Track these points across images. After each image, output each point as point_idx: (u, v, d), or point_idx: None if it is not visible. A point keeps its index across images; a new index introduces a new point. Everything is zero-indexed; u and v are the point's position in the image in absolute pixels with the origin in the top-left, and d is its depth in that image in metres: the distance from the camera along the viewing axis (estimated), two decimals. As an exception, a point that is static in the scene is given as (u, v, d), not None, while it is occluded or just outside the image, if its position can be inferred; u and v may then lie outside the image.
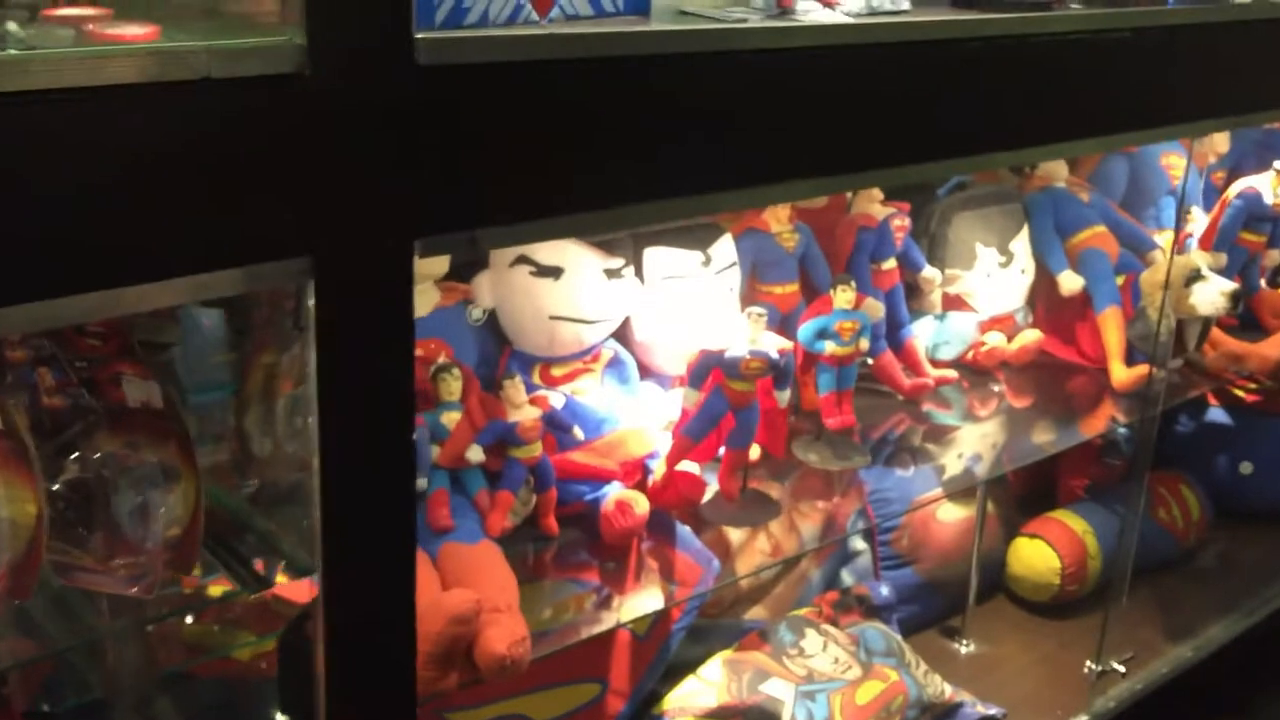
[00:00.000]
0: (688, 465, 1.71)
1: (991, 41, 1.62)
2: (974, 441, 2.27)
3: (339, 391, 1.00)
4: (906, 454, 2.21)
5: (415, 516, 1.09)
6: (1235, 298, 2.22)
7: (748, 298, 1.98)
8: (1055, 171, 2.41)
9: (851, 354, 1.86)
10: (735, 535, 1.86)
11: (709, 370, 1.65)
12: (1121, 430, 2.58)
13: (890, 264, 2.13)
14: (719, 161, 1.24)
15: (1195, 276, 2.23)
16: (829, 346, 1.84)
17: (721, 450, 1.73)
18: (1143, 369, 2.23)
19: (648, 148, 1.17)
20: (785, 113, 1.39)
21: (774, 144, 1.35)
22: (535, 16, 1.37)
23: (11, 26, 0.87)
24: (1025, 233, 2.33)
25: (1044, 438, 2.34)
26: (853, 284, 1.83)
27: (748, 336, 1.64)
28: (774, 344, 1.66)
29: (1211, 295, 2.21)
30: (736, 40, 1.26)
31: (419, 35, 0.97)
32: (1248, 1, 1.99)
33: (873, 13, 1.62)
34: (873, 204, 2.10)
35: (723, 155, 1.24)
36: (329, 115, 0.93)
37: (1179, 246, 2.63)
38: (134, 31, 0.92)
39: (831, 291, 1.84)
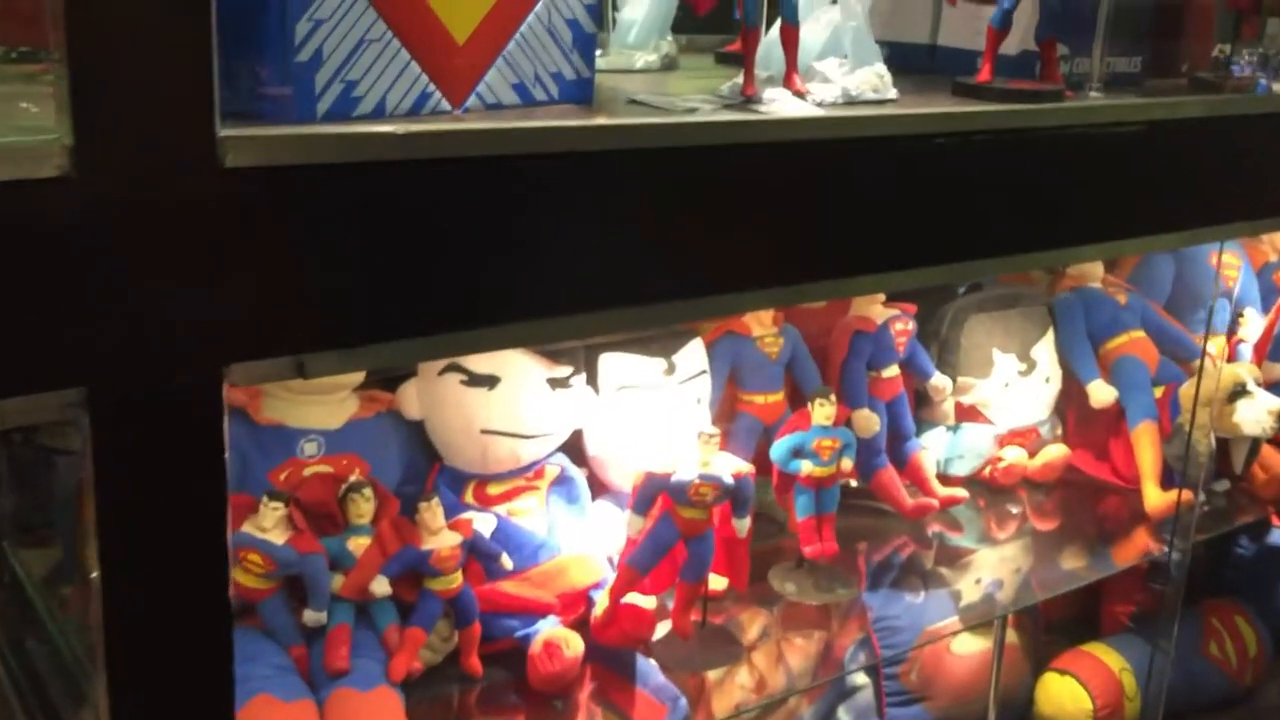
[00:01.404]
0: (637, 598, 1.55)
1: (996, 136, 1.47)
2: (994, 566, 2.09)
3: (124, 549, 0.87)
4: (916, 578, 2.03)
5: (231, 689, 0.95)
6: (1285, 418, 2.01)
7: (726, 407, 1.83)
8: (1089, 270, 2.24)
9: (832, 475, 1.70)
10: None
11: (655, 495, 1.50)
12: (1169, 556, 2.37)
13: (892, 371, 1.97)
14: (615, 272, 1.11)
15: (1240, 391, 2.04)
16: (806, 466, 1.68)
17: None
18: (1174, 496, 2.03)
19: (531, 256, 1.04)
20: (731, 215, 1.25)
21: (716, 252, 1.22)
22: (447, 106, 1.25)
23: None
24: (1050, 338, 2.16)
25: (1074, 564, 2.15)
26: (832, 397, 1.67)
27: (698, 459, 1.49)
28: (729, 467, 1.51)
29: (1257, 414, 2.01)
30: (643, 137, 1.12)
31: (224, 133, 0.84)
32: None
33: (850, 101, 1.49)
34: (873, 305, 1.94)
35: (620, 264, 1.11)
36: (105, 225, 0.81)
37: (1230, 354, 2.44)
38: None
39: (809, 405, 1.68)
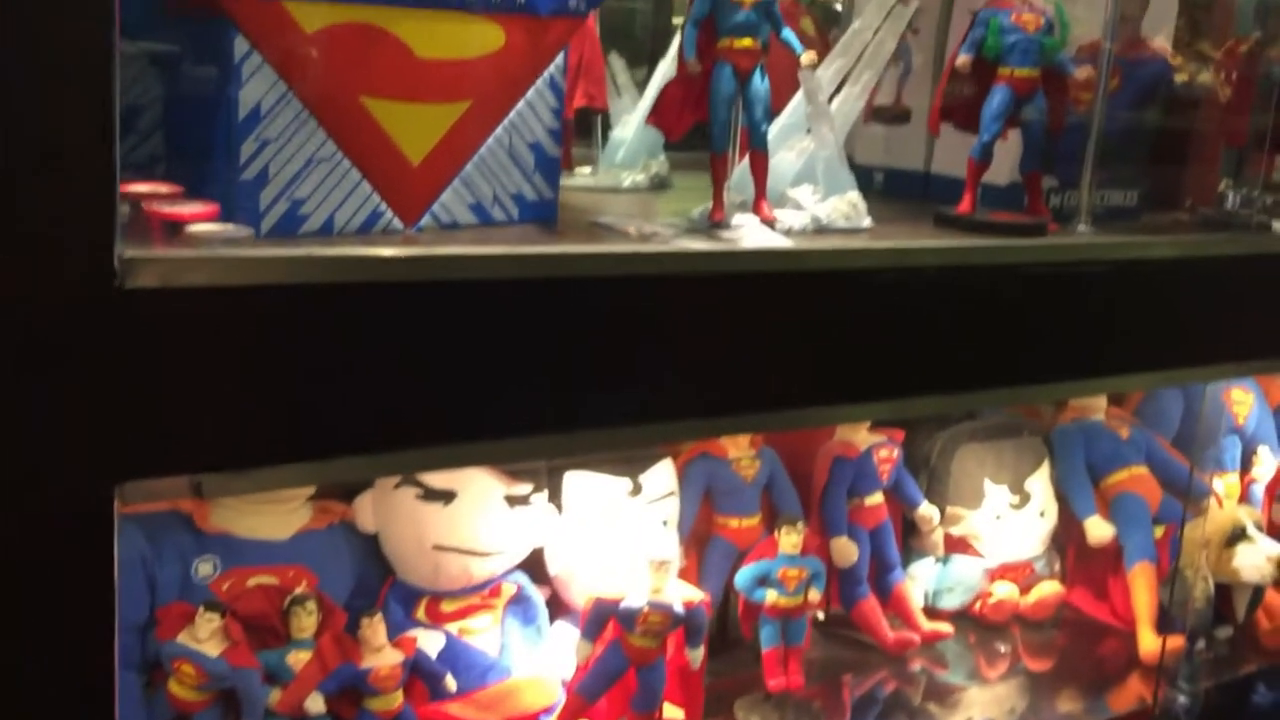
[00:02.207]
0: (587, 727, 1.52)
1: (972, 270, 1.47)
2: (985, 705, 2.03)
3: (8, 661, 0.87)
4: (902, 714, 1.98)
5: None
6: (1285, 565, 1.95)
7: (701, 529, 1.81)
8: (1091, 402, 2.21)
9: (799, 606, 1.67)
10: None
11: (604, 621, 1.48)
12: (1180, 700, 2.29)
13: (876, 499, 1.94)
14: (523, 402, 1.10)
15: (1239, 536, 1.99)
16: (771, 596, 1.65)
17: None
18: (1174, 641, 1.96)
19: (454, 379, 1.05)
20: (686, 342, 1.25)
21: (669, 377, 1.22)
22: (399, 225, 1.28)
23: None
24: (1045, 470, 2.12)
25: (1070, 706, 2.08)
26: (800, 525, 1.65)
27: (649, 586, 1.47)
28: (681, 595, 1.49)
29: (1257, 560, 1.96)
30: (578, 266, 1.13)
31: (128, 254, 0.86)
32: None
33: (821, 229, 1.49)
34: (858, 431, 1.92)
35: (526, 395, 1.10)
36: (-2, 341, 0.83)
37: (1243, 493, 2.38)
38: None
39: (776, 532, 1.66)
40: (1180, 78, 1.91)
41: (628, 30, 2.49)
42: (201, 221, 1.06)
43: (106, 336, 0.86)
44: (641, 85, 1.90)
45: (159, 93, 1.25)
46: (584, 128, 1.94)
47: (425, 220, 1.29)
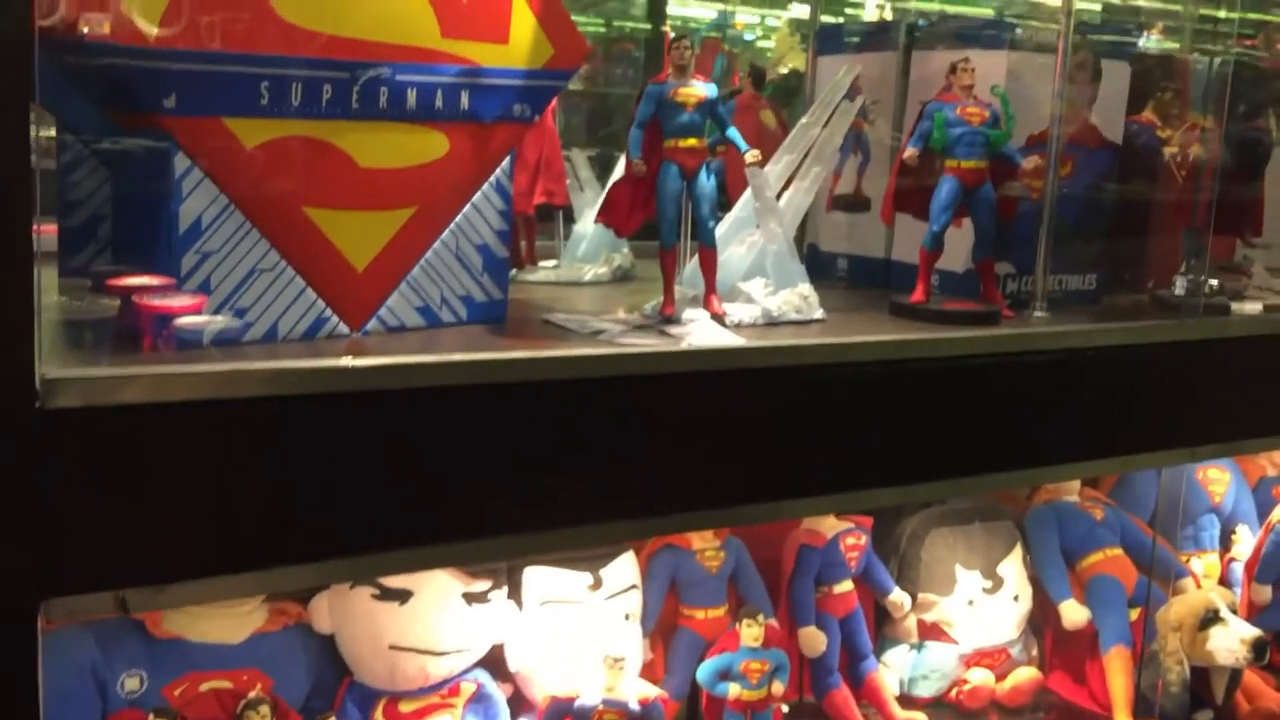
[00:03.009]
0: (548, 827, 1.52)
1: (920, 362, 1.48)
2: (969, 793, 2.01)
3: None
4: (884, 802, 1.97)
5: None
6: (1259, 648, 1.95)
7: (667, 621, 1.81)
8: (1064, 484, 2.21)
9: (763, 699, 1.67)
10: None
11: (560, 720, 1.48)
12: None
13: (845, 586, 1.95)
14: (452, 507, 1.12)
15: (1212, 618, 1.98)
16: (734, 690, 1.65)
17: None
18: (1149, 727, 1.96)
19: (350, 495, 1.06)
20: (631, 439, 1.27)
21: (584, 480, 1.23)
22: (345, 330, 1.30)
23: None
24: (1018, 554, 2.12)
25: (1053, 795, 2.06)
26: (760, 617, 1.66)
27: (603, 684, 1.47)
28: (637, 692, 1.49)
29: (1230, 643, 1.95)
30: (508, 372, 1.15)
31: (52, 375, 0.88)
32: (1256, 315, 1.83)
33: (772, 322, 1.52)
34: (823, 519, 1.93)
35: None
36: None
37: (1223, 573, 2.37)
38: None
39: (738, 625, 1.66)
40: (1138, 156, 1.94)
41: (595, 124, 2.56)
42: (189, 314, 1.12)
43: (26, 457, 0.88)
44: (603, 180, 1.93)
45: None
46: (549, 219, 1.98)
47: (372, 324, 1.32)
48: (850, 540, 1.93)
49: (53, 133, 1.25)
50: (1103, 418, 1.59)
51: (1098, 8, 2.51)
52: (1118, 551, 2.17)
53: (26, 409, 0.88)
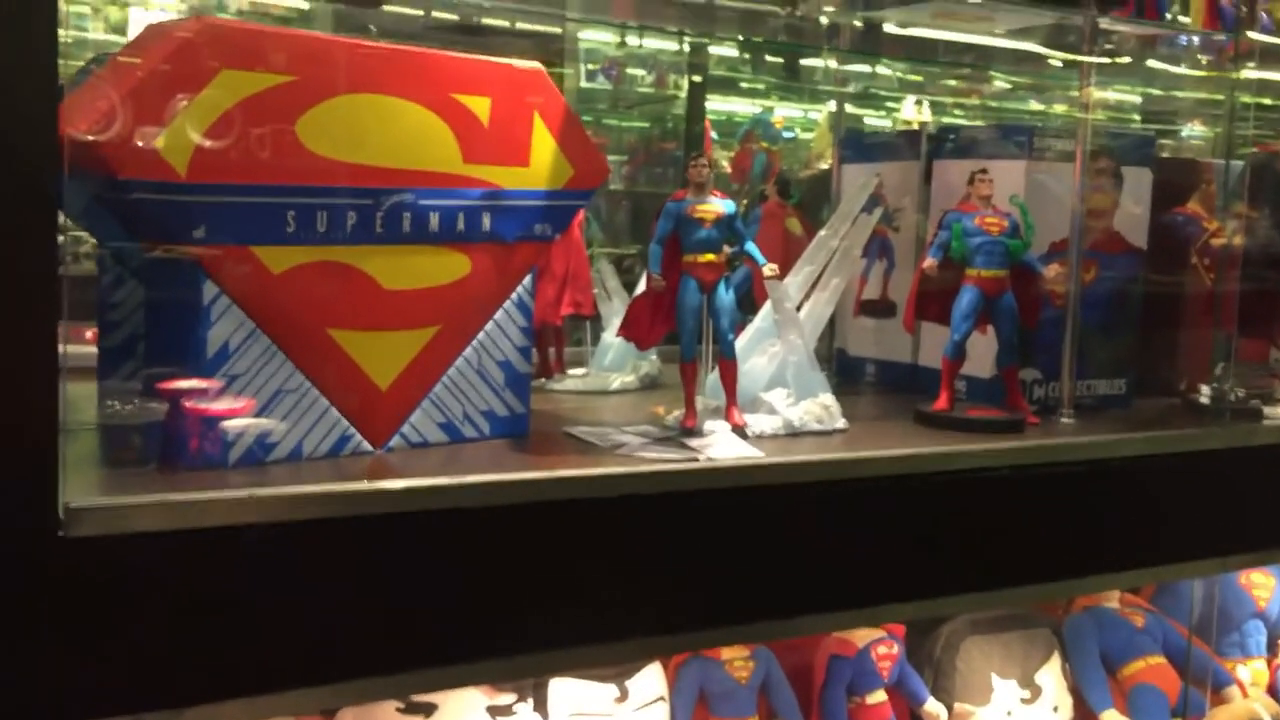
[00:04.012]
0: None
1: (939, 474, 1.48)
2: None
3: None
4: None
5: None
6: (1306, 760, 1.90)
7: (697, 734, 1.81)
8: (1103, 591, 2.19)
9: (793, 814, 1.65)
10: None
11: (584, 837, 1.48)
12: None
13: (878, 696, 1.93)
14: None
15: (1257, 730, 1.94)
16: (763, 807, 1.64)
17: None
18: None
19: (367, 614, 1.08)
20: (634, 559, 1.29)
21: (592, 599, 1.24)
22: (368, 447, 1.34)
23: None
24: (1056, 662, 2.10)
25: None
26: (788, 733, 1.64)
27: (627, 800, 1.47)
28: (661, 810, 1.48)
29: (1276, 756, 1.90)
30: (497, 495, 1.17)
31: (74, 504, 0.92)
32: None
33: (793, 433, 1.53)
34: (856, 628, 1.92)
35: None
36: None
37: (1270, 680, 2.33)
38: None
39: (765, 741, 1.66)
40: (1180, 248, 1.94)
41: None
42: (236, 417, 1.18)
43: (46, 584, 0.91)
44: (630, 288, 1.97)
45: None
46: (580, 326, 2.02)
47: (395, 441, 1.35)
48: (882, 649, 1.92)
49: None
50: (1129, 527, 1.59)
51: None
52: (1160, 660, 2.14)
53: (48, 537, 0.91)
